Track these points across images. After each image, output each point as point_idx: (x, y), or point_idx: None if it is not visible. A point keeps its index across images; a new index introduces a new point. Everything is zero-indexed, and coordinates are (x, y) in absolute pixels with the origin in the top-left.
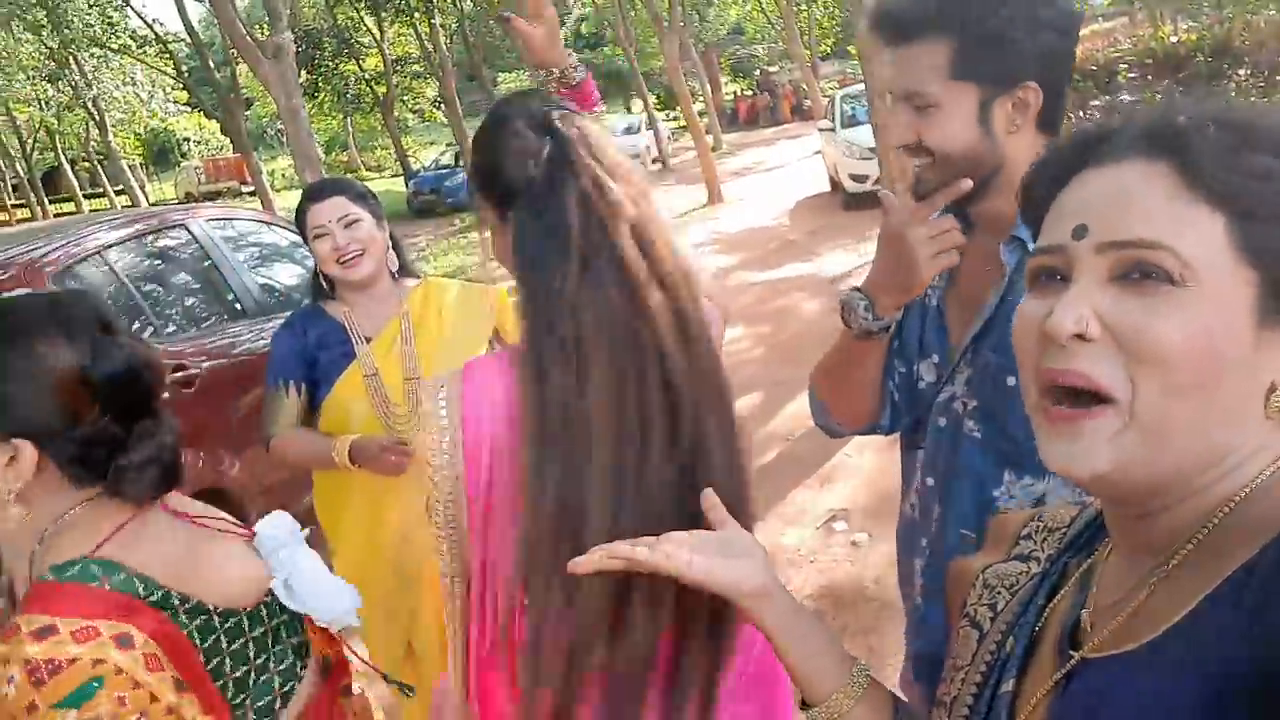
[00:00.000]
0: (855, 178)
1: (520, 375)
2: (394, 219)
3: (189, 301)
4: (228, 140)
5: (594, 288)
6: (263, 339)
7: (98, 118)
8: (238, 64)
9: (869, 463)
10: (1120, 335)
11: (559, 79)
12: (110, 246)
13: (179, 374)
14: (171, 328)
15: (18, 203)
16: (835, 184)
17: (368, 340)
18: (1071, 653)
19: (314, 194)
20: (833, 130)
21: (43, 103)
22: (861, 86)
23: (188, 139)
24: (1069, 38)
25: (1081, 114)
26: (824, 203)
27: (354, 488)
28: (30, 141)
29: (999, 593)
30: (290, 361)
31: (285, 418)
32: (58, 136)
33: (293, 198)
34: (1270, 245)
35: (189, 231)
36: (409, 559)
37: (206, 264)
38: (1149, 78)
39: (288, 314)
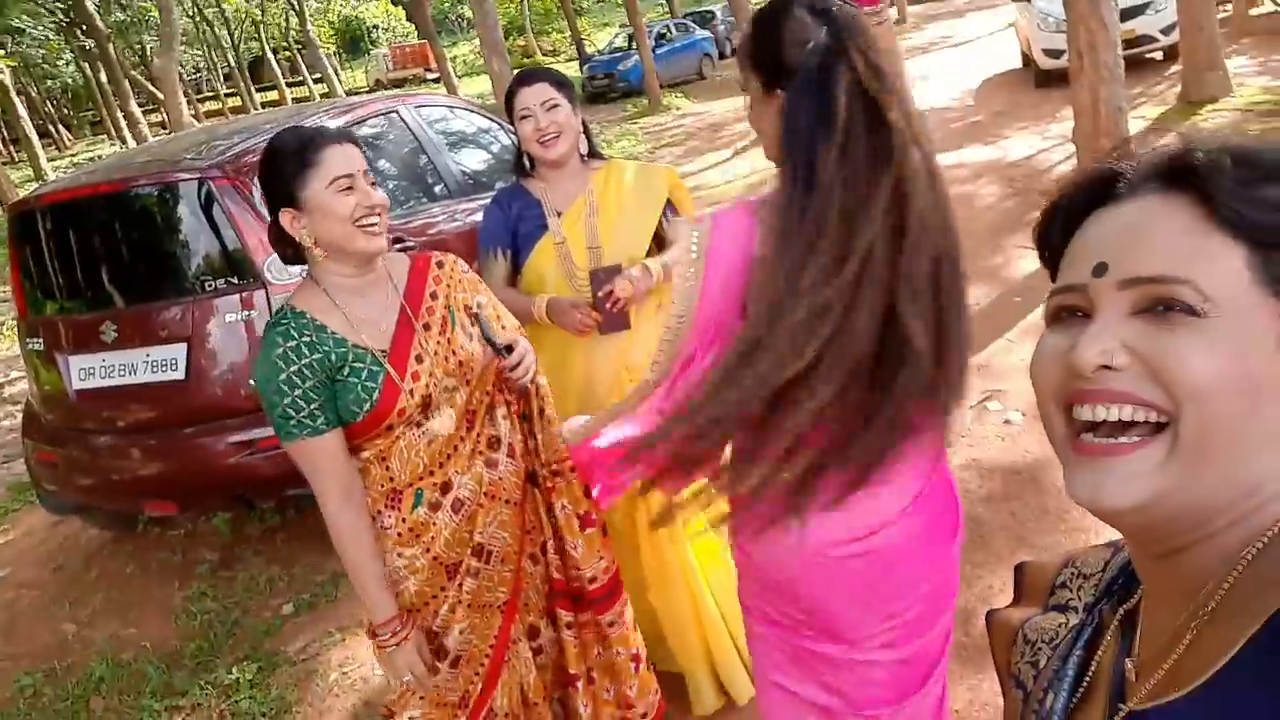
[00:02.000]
0: (1049, 53)
1: (764, 230)
2: None
3: (403, 182)
4: (413, 28)
5: (849, 167)
6: (460, 218)
7: (297, 6)
8: None
9: (1029, 351)
10: (1151, 363)
11: None
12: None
13: (398, 245)
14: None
15: (229, 91)
16: (1027, 60)
17: (559, 214)
18: (1120, 705)
19: (523, 79)
20: (1027, 0)
21: None
22: None
23: (376, 26)
24: None
25: None
26: (1014, 80)
27: (545, 342)
28: (238, 32)
29: (1040, 649)
30: (498, 231)
31: (495, 279)
32: (262, 27)
33: (475, 84)
34: None
35: (401, 118)
36: (592, 401)
37: (415, 148)
38: None
39: (481, 195)
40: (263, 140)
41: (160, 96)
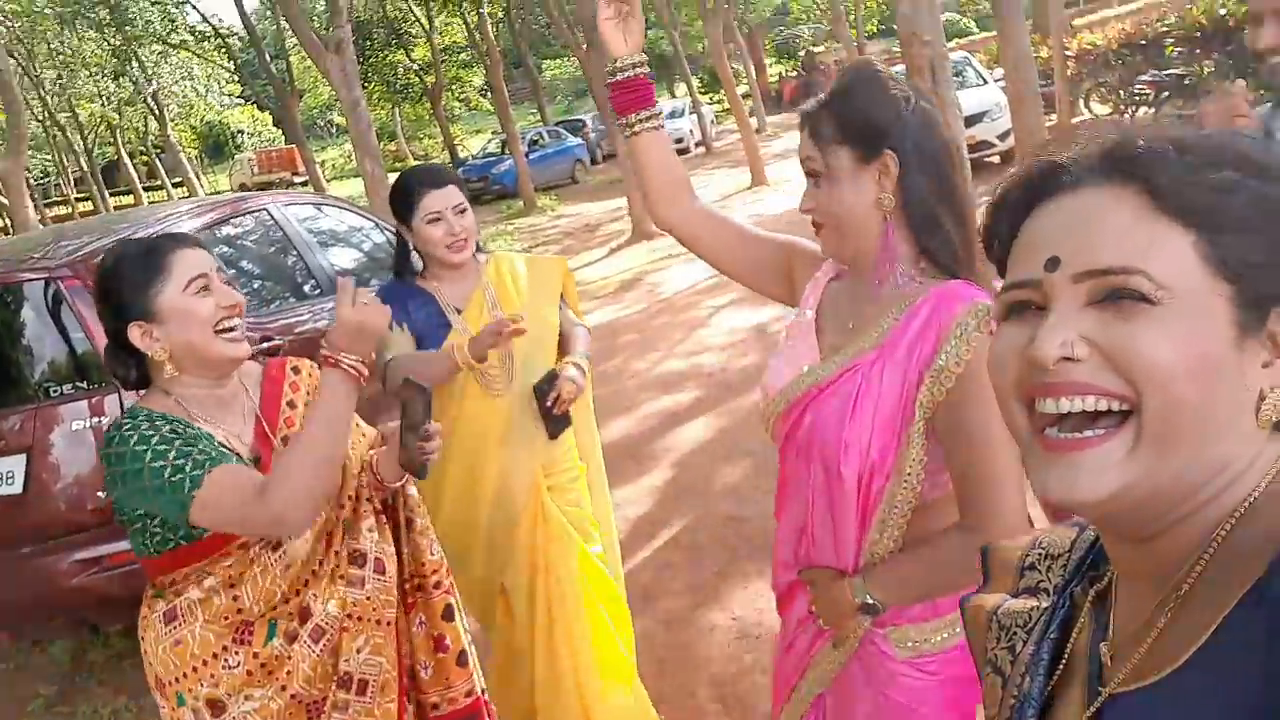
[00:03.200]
0: None
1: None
2: None
3: (270, 280)
4: (280, 132)
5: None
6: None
7: (157, 112)
8: (291, 57)
9: None
10: (1110, 353)
11: (618, 70)
12: (200, 230)
13: (265, 344)
14: (256, 303)
15: (80, 195)
16: None
17: (458, 311)
18: (1099, 689)
19: (432, 181)
20: None
21: (105, 98)
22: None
23: (241, 131)
24: None
25: (1131, 88)
26: None
27: (453, 453)
28: (91, 136)
29: (1015, 634)
30: (397, 313)
31: (398, 348)
32: (118, 131)
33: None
34: (1241, 256)
35: (270, 215)
36: (507, 509)
37: (283, 245)
38: (1196, 51)
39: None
40: (114, 238)
41: (4, 200)
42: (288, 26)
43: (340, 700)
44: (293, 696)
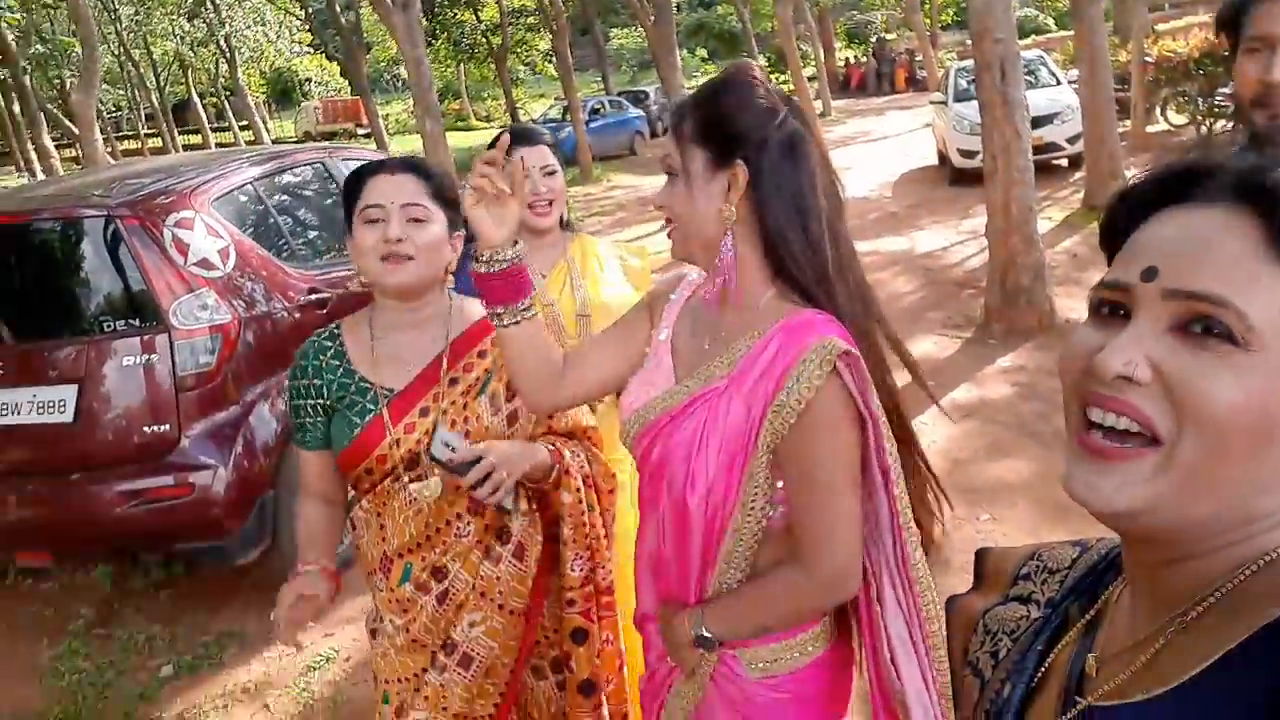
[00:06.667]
0: (964, 153)
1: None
2: None
3: (326, 234)
4: (346, 83)
5: (829, 233)
6: None
7: (228, 55)
8: (361, 9)
9: (939, 434)
10: (1172, 386)
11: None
12: (258, 180)
13: (313, 296)
14: (307, 253)
15: (150, 132)
16: (943, 158)
17: (543, 276)
18: (1078, 699)
19: (525, 138)
20: (944, 103)
21: (179, 37)
22: (972, 61)
23: (309, 79)
24: None
25: (1211, 100)
26: (930, 176)
27: None
28: (164, 74)
29: (1000, 639)
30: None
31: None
32: (190, 71)
33: (407, 142)
34: None
35: (325, 169)
36: None
37: (336, 199)
38: None
39: None
40: (176, 182)
41: (76, 131)
42: None
43: (440, 662)
44: (413, 640)
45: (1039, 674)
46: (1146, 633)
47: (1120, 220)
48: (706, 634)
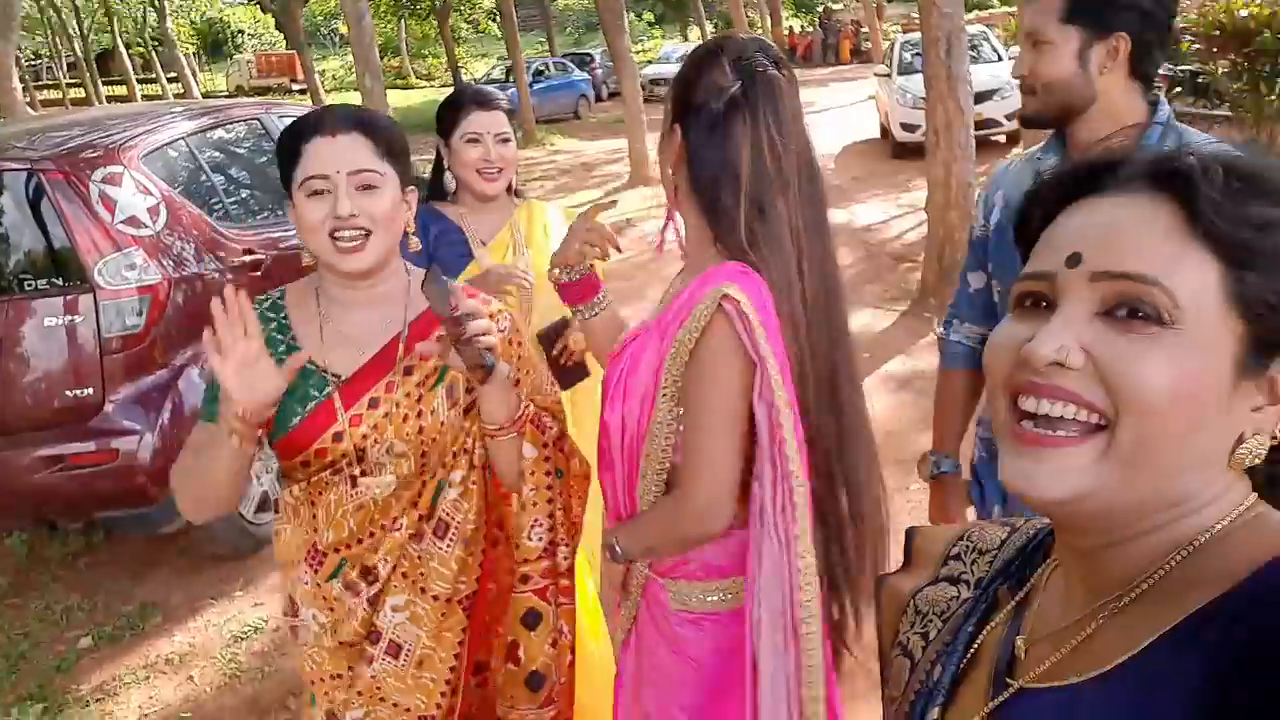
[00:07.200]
0: (906, 126)
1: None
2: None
3: (260, 193)
4: (281, 36)
5: (753, 209)
6: None
7: (156, 3)
8: None
9: (880, 404)
10: (1105, 370)
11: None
12: (192, 135)
13: (248, 257)
14: (241, 212)
15: (72, 81)
16: (885, 131)
17: (483, 243)
18: (1009, 681)
19: (481, 101)
20: (889, 76)
21: None
22: (918, 35)
23: (242, 31)
24: (1162, 4)
25: None
26: (871, 149)
27: None
28: (88, 21)
29: (930, 620)
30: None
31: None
32: (115, 19)
33: (343, 99)
34: (1261, 297)
35: (262, 125)
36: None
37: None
38: (1214, 50)
39: None
40: (104, 135)
41: None
42: None
43: (368, 654)
44: (340, 643)
45: (969, 655)
46: (1078, 616)
47: (1037, 212)
48: (615, 547)
